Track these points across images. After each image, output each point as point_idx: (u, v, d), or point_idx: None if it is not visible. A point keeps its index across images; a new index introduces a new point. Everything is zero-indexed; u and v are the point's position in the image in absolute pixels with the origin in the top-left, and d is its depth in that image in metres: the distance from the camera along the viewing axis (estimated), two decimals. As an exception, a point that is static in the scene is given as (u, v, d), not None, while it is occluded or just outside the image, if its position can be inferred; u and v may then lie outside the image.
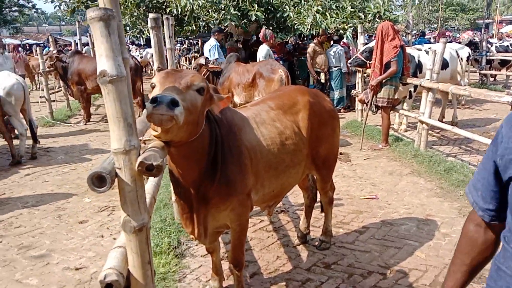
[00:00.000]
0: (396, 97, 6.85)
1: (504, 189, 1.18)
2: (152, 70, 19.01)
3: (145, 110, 1.97)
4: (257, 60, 8.32)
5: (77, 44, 15.47)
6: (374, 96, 6.79)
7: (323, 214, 3.82)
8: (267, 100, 3.05)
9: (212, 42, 8.86)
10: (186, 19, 10.86)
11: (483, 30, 27.06)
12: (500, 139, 1.18)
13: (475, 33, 27.59)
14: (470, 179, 1.26)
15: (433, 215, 4.36)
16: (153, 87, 2.08)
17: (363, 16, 10.34)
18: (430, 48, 8.25)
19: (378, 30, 6.70)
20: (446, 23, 34.03)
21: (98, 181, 1.72)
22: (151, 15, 3.64)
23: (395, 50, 6.47)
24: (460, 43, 12.43)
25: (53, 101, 10.81)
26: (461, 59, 8.47)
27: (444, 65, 6.98)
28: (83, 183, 5.68)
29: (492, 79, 14.51)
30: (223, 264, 3.24)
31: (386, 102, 6.68)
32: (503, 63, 13.45)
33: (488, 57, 13.20)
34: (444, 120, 8.09)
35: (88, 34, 16.35)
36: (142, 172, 1.75)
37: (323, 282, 3.19)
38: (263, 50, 8.36)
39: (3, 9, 37.72)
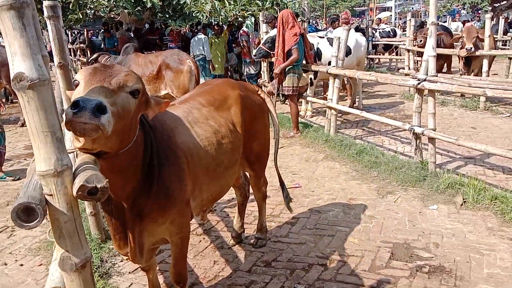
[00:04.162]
0: (301, 85, 6.95)
1: None
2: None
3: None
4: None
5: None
6: (280, 85, 6.81)
7: (251, 210, 3.69)
8: (195, 96, 2.79)
9: None
10: (71, 7, 9.92)
11: (362, 17, 29.24)
12: None
13: (358, 19, 29.76)
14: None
15: (355, 198, 4.48)
16: (76, 86, 1.72)
17: (261, 4, 10.35)
18: (325, 36, 8.52)
19: (279, 18, 6.73)
20: (329, 11, 36.17)
21: (25, 214, 1.36)
22: (46, 2, 3.13)
23: (295, 38, 6.54)
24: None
25: None
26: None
27: (347, 52, 7.21)
28: (-32, 201, 4.84)
29: (376, 61, 15.68)
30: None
31: (291, 91, 6.75)
32: (386, 48, 14.59)
33: (373, 42, 14.16)
34: (354, 105, 8.45)
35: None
36: (83, 197, 1.42)
37: (268, 283, 3.06)
38: None
39: None
